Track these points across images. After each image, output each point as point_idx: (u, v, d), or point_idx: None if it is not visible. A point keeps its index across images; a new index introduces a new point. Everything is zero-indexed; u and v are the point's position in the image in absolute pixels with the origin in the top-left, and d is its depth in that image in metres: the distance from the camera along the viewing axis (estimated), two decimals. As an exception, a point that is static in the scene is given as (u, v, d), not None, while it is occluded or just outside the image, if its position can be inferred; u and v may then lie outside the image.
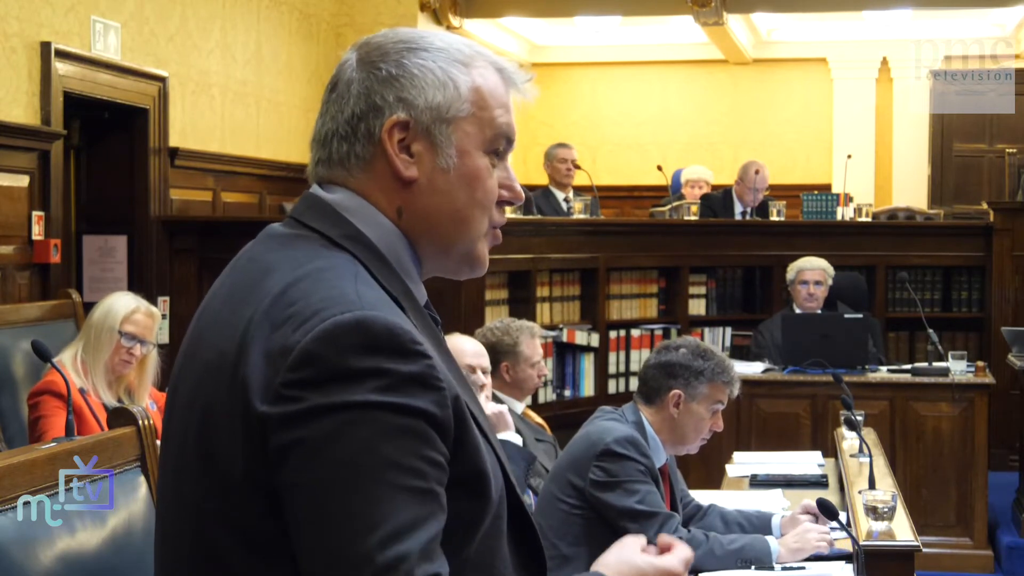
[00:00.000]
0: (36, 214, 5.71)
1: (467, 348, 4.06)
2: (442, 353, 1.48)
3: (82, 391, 4.10)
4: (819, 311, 6.51)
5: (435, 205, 1.52)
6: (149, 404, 4.32)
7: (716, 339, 7.44)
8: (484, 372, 4.07)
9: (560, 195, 7.75)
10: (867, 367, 6.17)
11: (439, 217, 1.53)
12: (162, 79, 6.69)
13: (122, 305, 4.28)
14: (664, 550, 1.62)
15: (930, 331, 6.29)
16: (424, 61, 1.51)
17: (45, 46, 5.72)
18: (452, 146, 1.51)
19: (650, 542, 3.06)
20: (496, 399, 4.26)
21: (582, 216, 7.34)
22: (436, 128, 1.51)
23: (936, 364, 6.13)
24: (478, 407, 1.50)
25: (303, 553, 1.35)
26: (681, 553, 1.61)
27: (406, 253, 1.53)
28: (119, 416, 2.32)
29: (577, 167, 7.81)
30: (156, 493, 1.59)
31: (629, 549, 1.60)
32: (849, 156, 9.05)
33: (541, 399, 6.65)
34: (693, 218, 7.71)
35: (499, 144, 1.55)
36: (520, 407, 4.59)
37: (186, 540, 1.46)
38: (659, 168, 8.80)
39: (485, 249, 1.59)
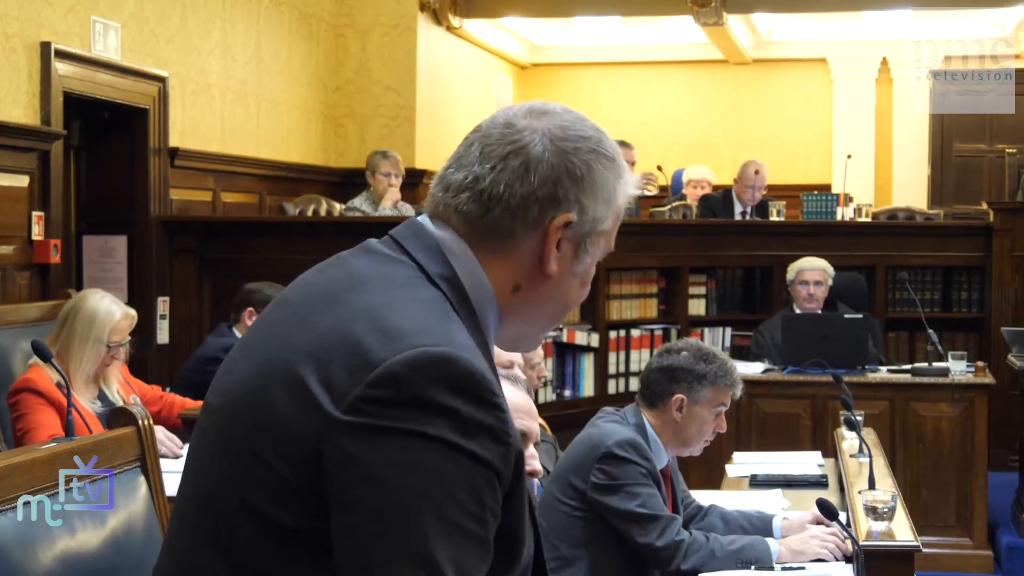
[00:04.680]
0: (36, 214, 5.71)
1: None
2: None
3: (60, 386, 4.06)
4: (819, 311, 6.50)
5: (550, 297, 1.56)
6: (132, 398, 4.32)
7: (716, 339, 7.43)
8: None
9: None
10: (867, 367, 6.15)
11: (547, 307, 1.58)
12: (162, 79, 6.69)
13: (105, 313, 4.20)
14: None
15: (930, 331, 6.28)
16: (607, 172, 1.54)
17: (45, 46, 5.72)
18: (590, 255, 1.56)
19: (652, 545, 3.11)
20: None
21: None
22: (589, 238, 1.55)
23: (936, 364, 6.12)
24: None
25: (346, 566, 1.35)
26: None
27: (493, 314, 1.54)
28: (119, 416, 2.32)
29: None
30: (185, 474, 1.55)
31: None
32: (849, 156, 9.03)
33: (541, 399, 6.65)
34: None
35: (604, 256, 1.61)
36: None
37: (213, 529, 1.44)
38: (659, 168, 8.79)
39: None
